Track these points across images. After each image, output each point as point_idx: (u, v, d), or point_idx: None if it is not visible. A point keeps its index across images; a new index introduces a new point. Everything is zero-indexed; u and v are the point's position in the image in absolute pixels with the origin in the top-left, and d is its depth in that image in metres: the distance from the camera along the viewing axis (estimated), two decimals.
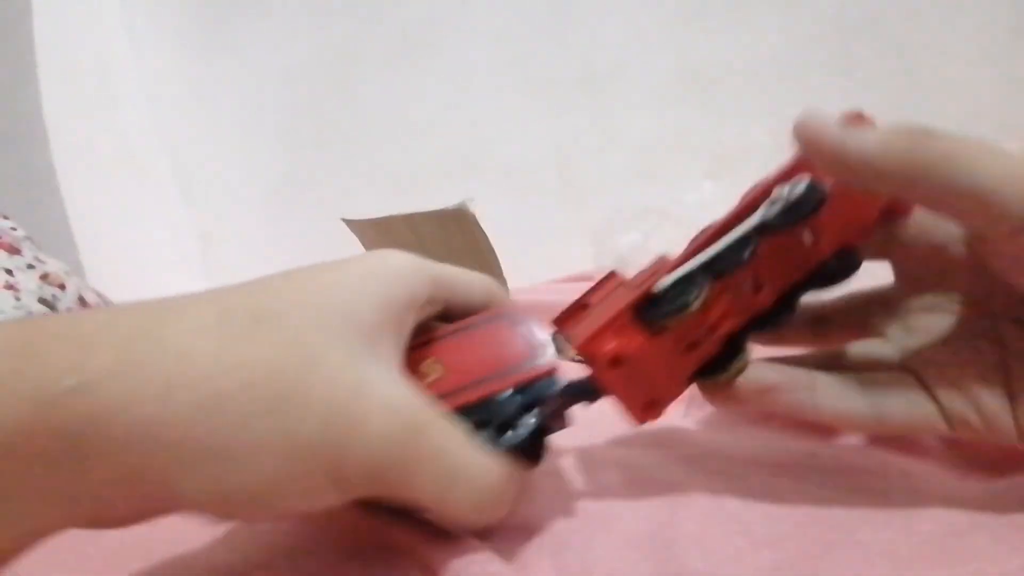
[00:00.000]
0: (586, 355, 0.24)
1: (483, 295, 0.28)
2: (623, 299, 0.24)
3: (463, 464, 0.21)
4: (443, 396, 0.22)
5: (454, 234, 0.62)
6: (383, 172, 1.18)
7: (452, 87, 1.13)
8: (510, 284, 0.61)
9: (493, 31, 1.11)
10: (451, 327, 0.25)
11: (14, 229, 0.62)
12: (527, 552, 0.26)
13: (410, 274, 0.24)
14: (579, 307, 0.27)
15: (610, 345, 0.24)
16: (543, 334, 0.25)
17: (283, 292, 0.22)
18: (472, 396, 0.23)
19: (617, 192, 1.04)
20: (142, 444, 0.17)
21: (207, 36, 1.21)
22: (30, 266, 0.58)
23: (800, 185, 0.23)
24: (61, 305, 0.57)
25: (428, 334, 0.25)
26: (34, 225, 0.66)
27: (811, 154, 0.22)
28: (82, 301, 0.60)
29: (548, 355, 0.25)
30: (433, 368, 0.24)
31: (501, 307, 0.26)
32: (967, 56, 0.95)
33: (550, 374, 0.24)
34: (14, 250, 0.58)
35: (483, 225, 0.59)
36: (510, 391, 0.23)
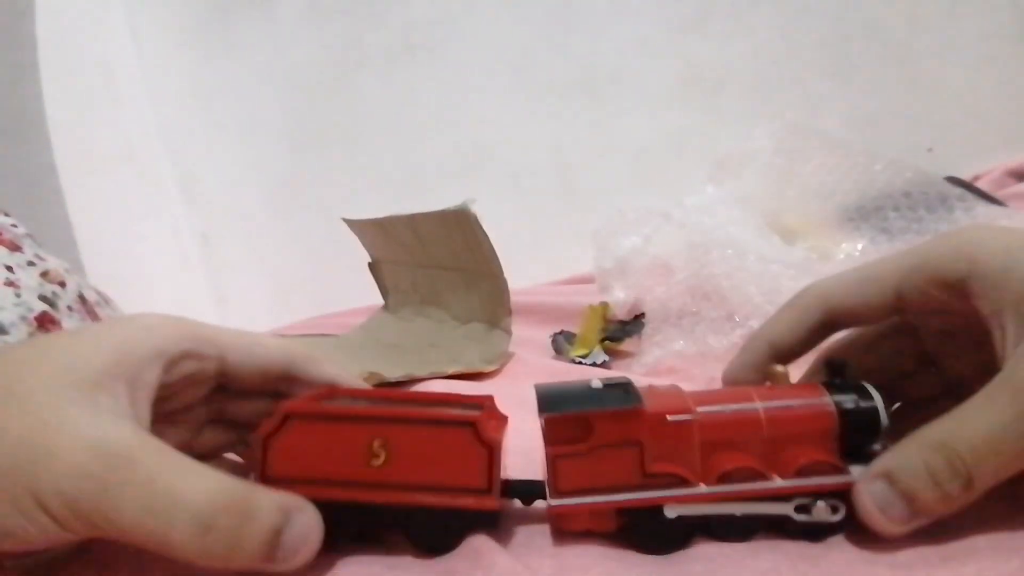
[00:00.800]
0: None
1: (276, 358, 0.28)
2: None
3: (177, 491, 0.21)
4: (378, 486, 0.25)
5: (455, 235, 0.62)
6: (384, 173, 1.18)
7: (453, 89, 1.13)
8: (511, 285, 0.61)
9: (495, 33, 1.11)
10: (409, 411, 0.26)
11: (15, 226, 0.62)
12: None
13: (157, 330, 0.26)
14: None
15: None
16: (495, 457, 0.26)
17: (4, 355, 0.25)
18: (403, 499, 0.25)
19: (618, 194, 1.05)
20: None
21: (209, 36, 1.21)
22: (30, 263, 0.58)
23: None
24: (62, 303, 0.57)
25: (383, 409, 0.27)
26: (35, 222, 0.66)
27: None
28: (82, 299, 0.60)
29: (495, 493, 0.25)
30: (380, 451, 0.25)
31: (465, 414, 0.26)
32: (968, 61, 0.95)
33: (490, 513, 0.26)
34: (15, 247, 0.58)
35: (484, 226, 0.59)
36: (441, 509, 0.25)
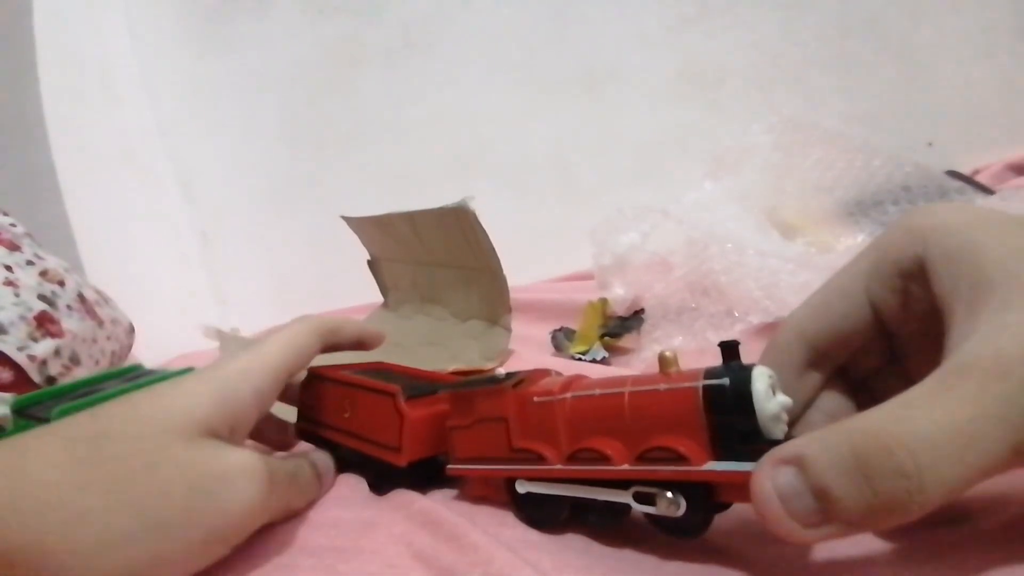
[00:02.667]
0: None
1: (316, 349, 0.35)
2: None
3: (303, 481, 0.32)
4: (346, 432, 0.34)
5: (454, 232, 0.62)
6: (383, 170, 1.18)
7: (452, 86, 1.13)
8: (510, 282, 0.61)
9: (493, 30, 1.11)
10: (364, 382, 0.34)
11: (14, 226, 0.62)
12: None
13: (249, 374, 0.30)
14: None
15: None
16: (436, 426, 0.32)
17: (113, 412, 0.27)
18: (354, 444, 0.33)
19: (617, 191, 1.05)
20: (24, 557, 0.21)
21: (207, 34, 1.21)
22: (29, 263, 0.58)
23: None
24: (61, 302, 0.57)
25: (355, 378, 0.35)
26: (34, 222, 0.66)
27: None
28: (81, 298, 0.60)
29: (404, 452, 0.31)
30: (348, 408, 0.34)
31: (393, 386, 0.32)
32: (967, 55, 0.95)
33: (400, 466, 0.31)
34: (14, 246, 0.58)
35: (483, 223, 0.59)
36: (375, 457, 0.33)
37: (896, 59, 0.97)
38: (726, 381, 0.22)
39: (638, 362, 0.54)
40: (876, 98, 0.97)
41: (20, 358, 0.51)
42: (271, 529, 0.29)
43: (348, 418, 0.34)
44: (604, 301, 0.64)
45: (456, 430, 0.29)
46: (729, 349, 0.23)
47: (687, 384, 0.23)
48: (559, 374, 0.29)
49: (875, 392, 0.26)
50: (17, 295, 0.54)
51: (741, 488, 0.20)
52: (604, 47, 1.07)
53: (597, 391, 0.25)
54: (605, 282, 0.66)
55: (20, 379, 0.51)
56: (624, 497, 0.24)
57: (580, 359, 0.57)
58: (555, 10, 1.08)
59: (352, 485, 0.33)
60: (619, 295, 0.64)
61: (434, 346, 0.66)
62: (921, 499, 0.16)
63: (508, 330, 0.61)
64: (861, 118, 0.96)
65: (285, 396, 0.38)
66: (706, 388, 0.22)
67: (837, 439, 0.17)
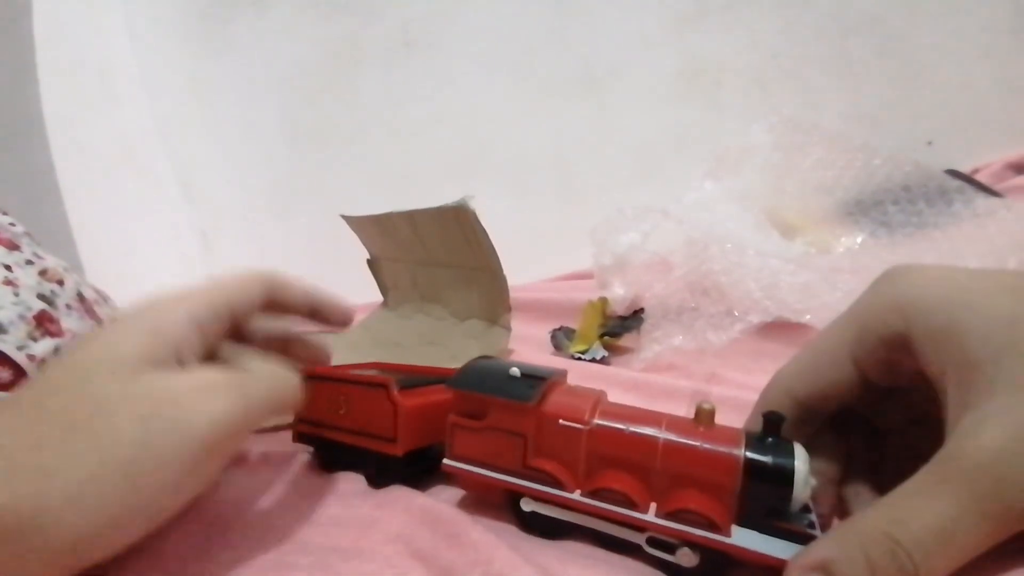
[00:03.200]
0: None
1: (260, 293, 0.33)
2: None
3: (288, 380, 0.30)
4: (341, 429, 0.34)
5: (454, 231, 0.62)
6: (383, 169, 1.18)
7: (452, 85, 1.13)
8: (510, 281, 0.61)
9: (493, 29, 1.11)
10: (356, 377, 0.34)
11: (13, 225, 0.62)
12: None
13: (181, 304, 0.28)
14: None
15: None
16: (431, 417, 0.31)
17: (58, 368, 0.26)
18: (353, 441, 0.34)
19: (616, 191, 1.04)
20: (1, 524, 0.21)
21: (206, 34, 1.21)
22: (29, 262, 0.58)
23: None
24: (60, 301, 0.57)
25: (343, 374, 0.35)
26: (33, 221, 0.66)
27: None
28: (81, 297, 0.60)
29: (400, 442, 0.32)
30: (343, 404, 0.34)
31: (385, 379, 0.33)
32: (967, 54, 0.94)
33: (397, 460, 0.32)
34: (13, 246, 0.58)
35: (483, 222, 0.58)
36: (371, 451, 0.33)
37: (896, 58, 0.97)
38: (770, 460, 0.23)
39: (638, 362, 0.54)
40: (876, 97, 0.97)
41: (19, 357, 0.51)
42: (270, 526, 0.29)
43: (343, 415, 0.34)
44: (604, 300, 0.64)
45: (461, 428, 0.28)
46: (773, 424, 0.24)
47: (729, 450, 0.23)
48: (564, 375, 0.29)
49: (889, 444, 0.28)
50: (16, 294, 0.53)
51: (760, 563, 0.22)
52: (604, 47, 1.07)
53: (628, 427, 0.25)
54: (605, 281, 0.66)
55: (19, 379, 0.51)
56: (638, 539, 0.24)
57: (580, 358, 0.57)
58: (555, 10, 1.08)
59: (351, 482, 0.33)
60: (619, 295, 0.64)
61: (434, 345, 0.66)
62: None
63: (508, 329, 0.61)
64: (861, 118, 0.96)
65: None
66: (749, 460, 0.23)
67: (852, 545, 0.20)
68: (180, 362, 0.26)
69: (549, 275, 0.95)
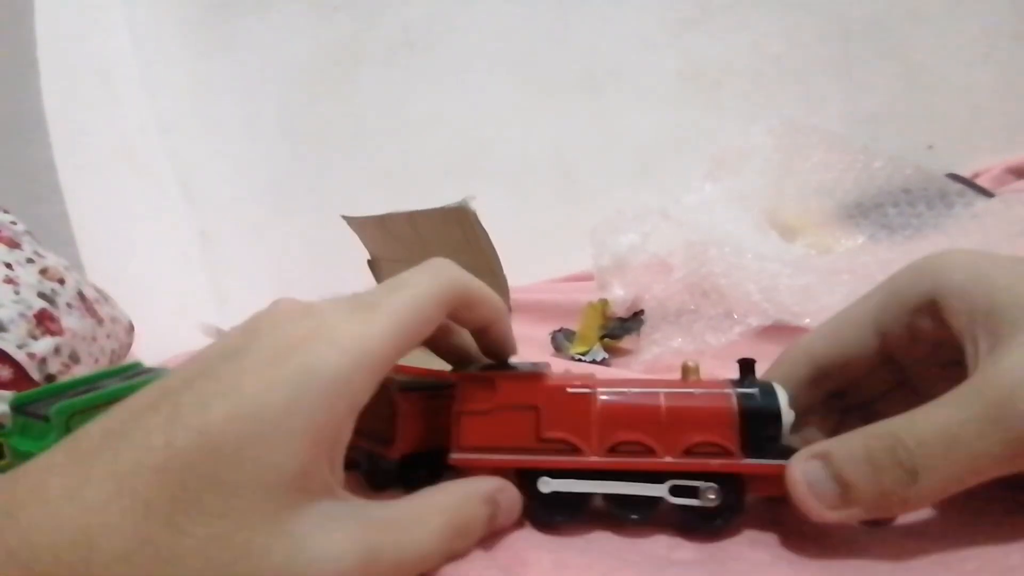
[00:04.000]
0: None
1: (437, 322, 0.27)
2: None
3: (418, 554, 0.22)
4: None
5: (454, 232, 0.62)
6: (383, 170, 1.18)
7: (452, 85, 1.13)
8: (510, 283, 0.61)
9: (494, 30, 1.11)
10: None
11: (14, 223, 0.62)
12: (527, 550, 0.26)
13: (346, 380, 0.21)
14: None
15: None
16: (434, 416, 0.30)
17: (191, 464, 0.18)
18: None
19: (617, 192, 1.05)
20: None
21: (207, 34, 1.21)
22: (29, 260, 0.58)
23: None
24: (61, 300, 0.57)
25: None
26: (34, 220, 0.66)
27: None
28: (81, 296, 0.60)
29: (397, 444, 0.29)
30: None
31: (388, 378, 0.29)
32: (968, 58, 0.95)
33: (393, 459, 0.30)
34: (14, 244, 0.58)
35: (483, 223, 0.59)
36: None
37: (897, 61, 0.97)
38: (756, 391, 0.25)
39: (638, 364, 0.54)
40: (877, 100, 0.97)
41: (20, 356, 0.51)
42: None
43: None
44: (604, 302, 0.64)
45: (467, 415, 0.27)
46: (747, 365, 0.27)
47: (722, 391, 0.26)
48: (548, 367, 0.29)
49: (881, 413, 0.27)
50: (17, 293, 0.54)
51: (774, 480, 0.23)
52: (604, 48, 1.07)
53: (630, 390, 0.26)
54: (605, 283, 0.66)
55: (19, 377, 0.51)
56: (660, 491, 0.25)
57: (580, 360, 0.57)
58: (555, 10, 1.08)
59: (353, 483, 0.33)
60: (619, 296, 0.64)
61: None
62: (917, 489, 0.20)
63: None
64: (862, 120, 0.96)
65: None
66: (740, 395, 0.25)
67: (855, 439, 0.21)
68: (333, 465, 0.21)
69: (549, 276, 0.95)
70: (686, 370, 0.27)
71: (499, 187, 1.10)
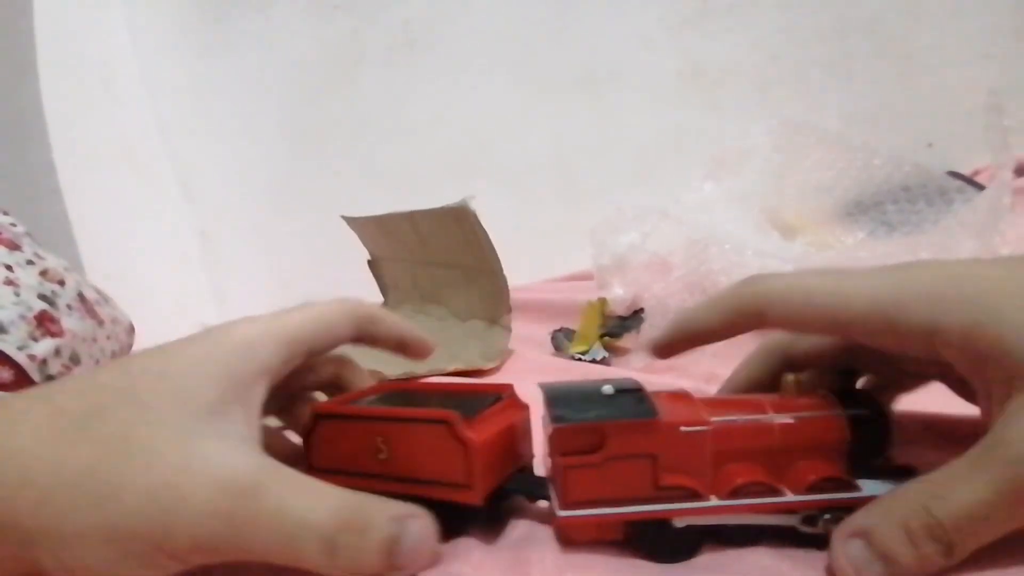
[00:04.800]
0: None
1: (347, 332, 0.30)
2: None
3: (304, 517, 0.22)
4: (385, 477, 0.27)
5: (454, 232, 0.62)
6: (383, 170, 1.18)
7: (453, 85, 1.13)
8: (510, 282, 0.61)
9: (494, 29, 1.11)
10: (402, 412, 0.27)
11: (14, 225, 0.62)
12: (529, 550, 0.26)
13: (258, 345, 0.26)
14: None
15: None
16: (498, 446, 0.27)
17: (111, 388, 0.24)
18: (401, 489, 0.26)
19: (616, 192, 1.04)
20: (1, 528, 0.21)
21: (207, 34, 1.21)
22: (30, 262, 0.58)
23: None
24: (61, 301, 0.57)
25: (382, 410, 0.29)
26: (34, 221, 0.66)
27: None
28: (81, 297, 0.60)
29: (476, 489, 0.25)
30: (383, 447, 0.27)
31: (444, 412, 0.26)
32: (967, 58, 0.95)
33: (475, 507, 0.26)
34: (14, 246, 0.58)
35: (483, 223, 0.59)
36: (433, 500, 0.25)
37: (896, 60, 0.97)
38: (868, 412, 0.25)
39: (637, 363, 0.54)
40: (876, 99, 0.97)
41: (20, 357, 0.51)
42: None
43: (385, 460, 0.27)
44: (603, 301, 0.64)
45: (575, 468, 0.24)
46: (847, 376, 0.27)
47: (833, 413, 0.25)
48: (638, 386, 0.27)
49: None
50: (17, 294, 0.54)
51: None
52: (604, 47, 1.07)
53: (739, 417, 0.25)
54: (605, 282, 0.66)
55: (20, 378, 0.51)
56: (791, 521, 0.24)
57: (580, 359, 0.57)
58: (555, 10, 1.08)
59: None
60: (619, 295, 0.64)
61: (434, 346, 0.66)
62: (953, 558, 0.21)
63: (508, 330, 0.61)
64: (861, 118, 0.96)
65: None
66: (852, 417, 0.25)
67: (891, 513, 0.22)
68: (243, 413, 0.24)
69: (549, 275, 0.95)
70: (787, 387, 0.27)
71: (499, 187, 1.10)
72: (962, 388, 0.27)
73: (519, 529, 0.27)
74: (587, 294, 0.67)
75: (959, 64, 0.95)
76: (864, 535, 0.22)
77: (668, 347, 0.29)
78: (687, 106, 1.05)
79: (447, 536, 0.26)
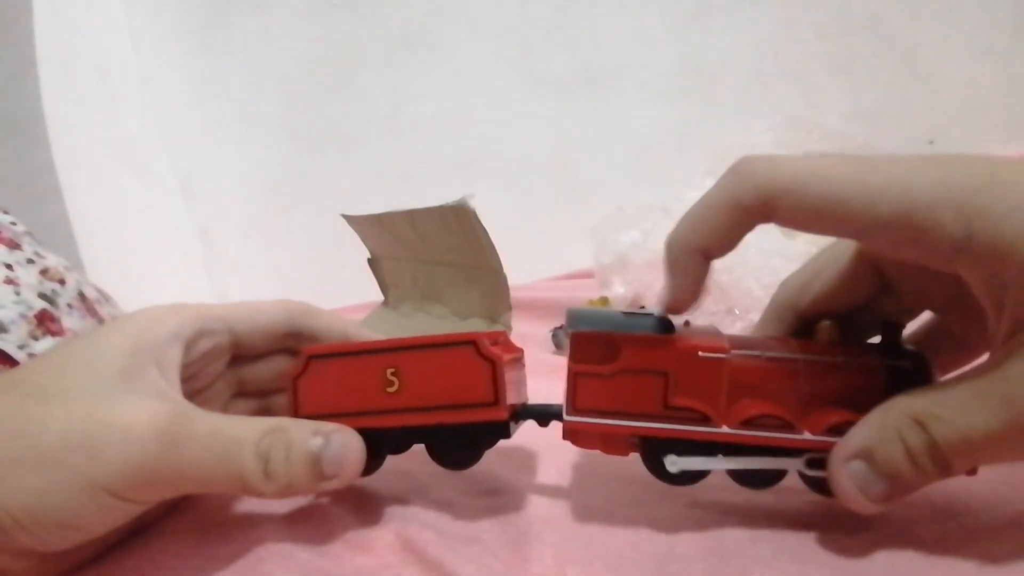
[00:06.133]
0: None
1: (278, 319, 0.30)
2: None
3: (238, 433, 0.24)
4: (396, 411, 0.26)
5: (454, 230, 0.62)
6: (383, 168, 1.18)
7: (452, 83, 1.13)
8: (510, 280, 0.61)
9: (494, 28, 1.11)
10: (418, 340, 0.27)
11: (14, 224, 0.62)
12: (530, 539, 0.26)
13: (165, 317, 0.27)
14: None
15: None
16: (511, 373, 0.26)
17: (26, 367, 0.26)
18: (415, 420, 0.26)
19: (617, 189, 1.04)
20: None
21: (207, 33, 1.20)
22: (30, 261, 0.58)
23: None
24: (61, 300, 0.57)
25: (391, 341, 0.28)
26: (34, 220, 0.66)
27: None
28: (82, 296, 0.60)
29: (503, 404, 0.25)
30: (393, 379, 0.26)
31: (466, 334, 0.26)
32: (968, 54, 0.94)
33: (503, 425, 0.26)
34: (14, 245, 0.58)
35: (483, 221, 0.58)
36: (457, 425, 0.26)
37: (897, 57, 0.97)
38: (909, 364, 0.24)
39: None
40: (877, 96, 0.97)
41: (21, 357, 0.51)
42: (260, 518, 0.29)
43: (395, 392, 0.26)
44: (605, 299, 0.64)
45: (585, 376, 0.25)
46: (892, 330, 0.25)
47: (867, 360, 0.24)
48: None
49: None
50: (17, 293, 0.53)
51: None
52: (605, 44, 1.07)
53: (764, 353, 0.25)
54: (606, 280, 0.66)
55: None
56: (795, 465, 0.24)
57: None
58: (555, 8, 1.08)
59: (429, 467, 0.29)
60: (620, 293, 0.64)
61: None
62: (950, 473, 0.21)
63: (509, 328, 0.61)
64: (862, 116, 0.96)
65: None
66: (890, 367, 0.24)
67: (891, 434, 0.21)
68: (159, 372, 0.25)
69: (550, 274, 0.95)
70: (822, 331, 0.26)
71: (499, 185, 1.10)
72: (953, 322, 0.26)
73: (518, 522, 0.27)
74: (588, 292, 0.67)
75: (959, 61, 0.95)
76: (865, 455, 0.22)
77: (686, 289, 0.25)
78: (688, 103, 1.05)
79: (466, 463, 0.27)
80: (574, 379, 0.25)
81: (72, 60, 1.03)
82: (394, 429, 0.26)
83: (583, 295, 0.67)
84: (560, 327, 0.64)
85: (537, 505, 0.28)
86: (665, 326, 0.24)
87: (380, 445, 0.27)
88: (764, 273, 0.52)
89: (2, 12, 0.93)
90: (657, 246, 0.64)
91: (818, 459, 0.23)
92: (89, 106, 1.06)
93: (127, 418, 0.23)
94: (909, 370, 0.24)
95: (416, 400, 0.26)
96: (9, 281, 0.54)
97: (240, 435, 0.24)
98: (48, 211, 0.92)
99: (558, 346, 0.62)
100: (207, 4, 1.19)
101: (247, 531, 0.27)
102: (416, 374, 0.26)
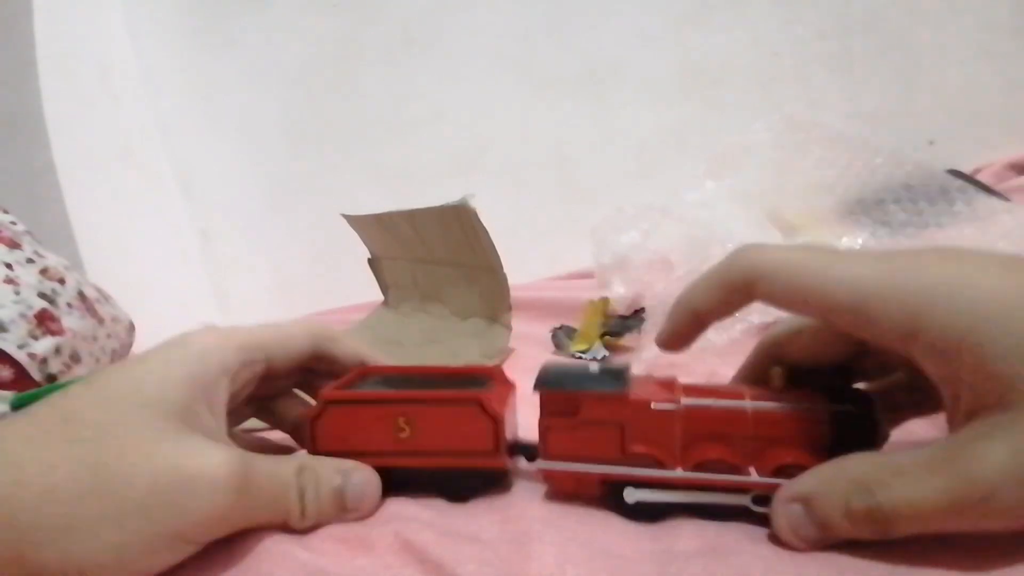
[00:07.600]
0: None
1: (305, 345, 0.32)
2: None
3: (286, 480, 0.27)
4: (407, 453, 0.30)
5: (454, 230, 0.62)
6: (383, 168, 1.18)
7: (452, 83, 1.13)
8: (510, 280, 0.61)
9: (494, 28, 1.11)
10: (429, 395, 0.30)
11: (14, 223, 0.62)
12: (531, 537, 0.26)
13: (214, 350, 0.28)
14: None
15: None
16: (507, 429, 0.30)
17: (80, 396, 0.25)
18: (423, 463, 0.30)
19: (617, 189, 1.04)
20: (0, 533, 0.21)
21: (206, 32, 1.20)
22: (30, 260, 0.58)
23: None
24: (61, 300, 0.57)
25: (403, 392, 0.31)
26: (34, 220, 0.66)
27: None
28: (82, 296, 0.60)
29: (502, 454, 0.29)
30: (405, 426, 0.30)
31: (472, 392, 0.30)
32: (968, 53, 0.94)
33: (502, 471, 0.30)
34: (14, 244, 0.58)
35: (484, 221, 0.58)
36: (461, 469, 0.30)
37: (897, 57, 0.97)
38: (855, 409, 0.26)
39: (639, 362, 0.54)
40: (877, 96, 0.97)
41: (20, 356, 0.51)
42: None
43: (407, 437, 0.30)
44: (605, 300, 0.64)
45: (554, 428, 0.28)
46: (841, 375, 0.28)
47: (811, 406, 0.26)
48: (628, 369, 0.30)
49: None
50: (17, 293, 0.53)
51: None
52: (605, 45, 1.07)
53: (714, 402, 0.27)
54: (606, 280, 0.66)
55: (20, 377, 0.51)
56: (742, 501, 0.26)
57: (581, 358, 0.57)
58: (555, 7, 1.08)
59: (429, 505, 0.30)
60: (620, 293, 0.64)
61: (434, 344, 0.66)
62: (888, 536, 0.22)
63: (509, 328, 0.61)
64: (862, 116, 0.96)
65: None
66: (836, 412, 0.26)
67: (835, 485, 0.23)
68: (209, 411, 0.27)
69: (550, 274, 0.95)
70: (771, 377, 0.28)
71: (499, 184, 1.10)
72: (922, 380, 0.27)
73: (518, 522, 0.27)
74: (588, 292, 0.67)
75: (960, 62, 0.95)
76: (805, 501, 0.23)
77: (673, 336, 0.29)
78: (688, 103, 1.05)
79: (467, 499, 0.30)
80: (544, 431, 0.29)
81: (72, 60, 1.03)
82: (407, 468, 0.30)
83: (583, 295, 0.67)
84: (560, 327, 0.64)
85: (537, 505, 0.28)
86: (621, 383, 0.28)
87: (390, 481, 0.30)
88: None
89: (2, 12, 0.93)
90: (657, 246, 0.65)
91: (763, 496, 0.25)
92: (89, 106, 1.06)
93: (206, 469, 0.24)
94: (855, 413, 0.26)
95: (426, 445, 0.30)
96: (9, 280, 0.54)
97: (285, 479, 0.27)
98: (48, 211, 0.92)
99: (558, 346, 0.62)
100: (207, 4, 1.19)
101: (247, 531, 0.27)
102: (426, 424, 0.30)
